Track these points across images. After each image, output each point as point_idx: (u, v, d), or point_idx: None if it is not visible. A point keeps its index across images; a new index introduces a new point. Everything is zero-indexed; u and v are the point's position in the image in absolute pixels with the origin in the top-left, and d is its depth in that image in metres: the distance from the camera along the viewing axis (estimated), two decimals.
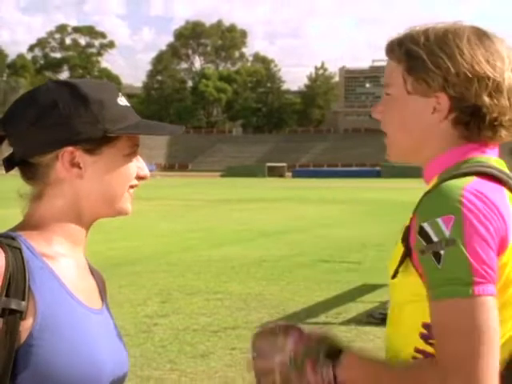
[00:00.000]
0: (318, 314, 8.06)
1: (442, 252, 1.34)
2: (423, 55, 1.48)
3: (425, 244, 1.36)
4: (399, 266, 1.43)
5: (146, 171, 1.54)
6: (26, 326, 1.35)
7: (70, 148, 1.44)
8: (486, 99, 1.46)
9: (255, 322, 7.57)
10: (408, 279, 1.42)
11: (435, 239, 1.35)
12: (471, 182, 1.41)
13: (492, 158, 1.51)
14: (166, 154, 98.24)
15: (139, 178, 1.53)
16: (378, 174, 63.93)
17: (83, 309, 1.45)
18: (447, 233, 1.34)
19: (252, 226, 18.63)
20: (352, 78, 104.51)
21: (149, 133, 1.53)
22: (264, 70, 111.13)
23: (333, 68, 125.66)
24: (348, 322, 7.46)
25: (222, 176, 73.60)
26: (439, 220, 1.35)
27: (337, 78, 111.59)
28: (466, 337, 1.32)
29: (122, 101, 1.51)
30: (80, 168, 1.46)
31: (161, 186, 43.36)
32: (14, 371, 1.34)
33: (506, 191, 1.45)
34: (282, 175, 74.54)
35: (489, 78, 1.46)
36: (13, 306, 1.33)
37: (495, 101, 1.47)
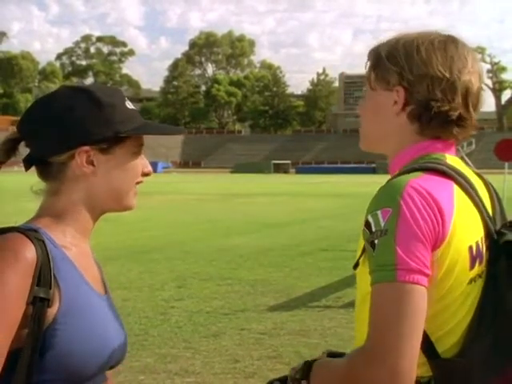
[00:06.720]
0: (320, 298, 8.06)
1: (376, 241, 1.34)
2: (383, 54, 1.49)
3: (368, 234, 1.36)
4: (360, 257, 1.42)
5: (149, 168, 1.54)
6: (51, 311, 1.36)
7: (86, 147, 1.44)
8: (438, 94, 1.44)
9: (262, 305, 7.58)
10: (367, 269, 1.37)
11: (374, 230, 1.35)
12: (417, 177, 1.39)
13: (446, 155, 1.48)
14: (181, 152, 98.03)
15: (144, 174, 1.53)
16: (373, 171, 63.62)
17: (96, 295, 1.46)
18: (383, 224, 1.33)
19: (259, 217, 18.58)
20: (351, 82, 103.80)
21: (156, 132, 1.52)
22: (270, 76, 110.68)
23: (333, 74, 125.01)
24: (347, 306, 7.44)
25: (231, 172, 73.47)
26: (379, 212, 1.35)
27: (337, 83, 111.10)
28: (391, 321, 1.29)
29: (129, 104, 1.51)
30: (94, 166, 1.45)
31: (176, 181, 43.34)
32: (40, 352, 1.35)
33: (454, 187, 1.42)
34: (286, 171, 74.32)
35: (442, 76, 1.45)
36: (42, 295, 1.34)
37: (448, 97, 1.45)
